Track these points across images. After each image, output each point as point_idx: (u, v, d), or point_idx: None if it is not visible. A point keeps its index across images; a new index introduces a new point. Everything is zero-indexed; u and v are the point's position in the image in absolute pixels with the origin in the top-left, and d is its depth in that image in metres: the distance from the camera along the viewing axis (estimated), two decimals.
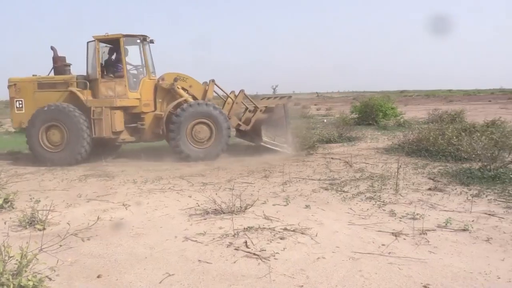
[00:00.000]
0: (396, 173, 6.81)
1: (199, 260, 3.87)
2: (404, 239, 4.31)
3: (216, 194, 6.34)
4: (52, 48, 10.53)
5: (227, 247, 4.17)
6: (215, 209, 5.29)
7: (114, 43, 10.16)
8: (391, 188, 6.42)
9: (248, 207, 5.37)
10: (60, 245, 4.14)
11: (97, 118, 9.81)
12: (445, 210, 5.27)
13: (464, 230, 4.51)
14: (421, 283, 3.31)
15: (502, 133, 9.69)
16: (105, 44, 10.38)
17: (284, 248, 4.09)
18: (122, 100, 9.92)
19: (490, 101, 40.56)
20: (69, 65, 10.71)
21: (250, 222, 4.86)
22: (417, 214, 5.01)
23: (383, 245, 4.14)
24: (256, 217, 5.12)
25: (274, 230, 4.61)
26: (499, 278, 3.39)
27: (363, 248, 4.09)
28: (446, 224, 4.67)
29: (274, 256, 3.91)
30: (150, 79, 10.44)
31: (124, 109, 10.10)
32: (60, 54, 10.67)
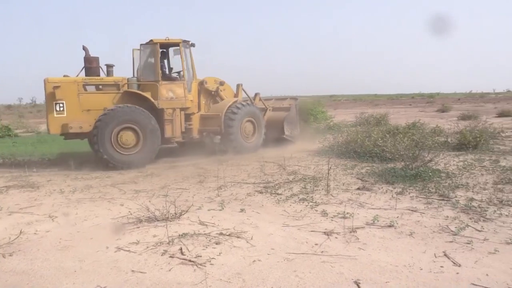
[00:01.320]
0: (327, 175, 7.06)
1: (133, 270, 3.75)
2: (336, 237, 4.47)
3: (150, 201, 6.18)
4: (84, 48, 10.13)
5: (161, 255, 4.08)
6: (149, 217, 5.15)
7: (168, 47, 10.70)
8: (322, 189, 6.64)
9: (183, 213, 5.30)
10: None
11: (169, 119, 10.09)
12: (372, 208, 5.54)
13: (390, 226, 4.77)
14: (352, 279, 3.45)
15: (422, 134, 10.43)
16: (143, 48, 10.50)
17: (220, 253, 4.08)
18: (186, 101, 10.41)
19: (410, 104, 43.34)
20: (112, 66, 10.36)
21: (185, 229, 4.80)
22: (347, 213, 5.23)
23: (316, 244, 4.27)
24: (191, 223, 5.06)
25: (209, 235, 4.59)
26: (421, 269, 3.63)
27: (297, 248, 4.19)
28: (373, 221, 4.92)
29: (210, 261, 3.89)
30: (196, 82, 10.97)
31: (184, 110, 10.49)
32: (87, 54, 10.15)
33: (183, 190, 6.96)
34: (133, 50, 10.84)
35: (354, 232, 4.59)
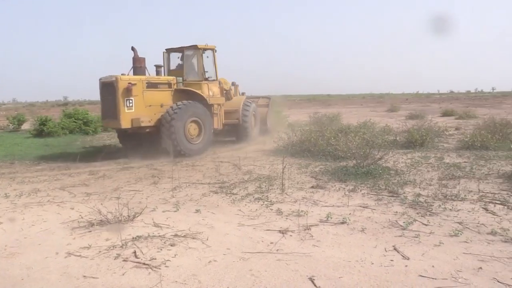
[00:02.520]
0: (282, 174, 7.14)
1: (84, 276, 3.63)
2: (291, 235, 4.54)
3: (102, 204, 6.01)
4: (132, 48, 11.12)
5: (114, 259, 3.98)
6: (101, 220, 5.01)
7: (204, 51, 12.07)
8: (277, 188, 6.71)
9: (137, 215, 5.19)
10: None
11: (215, 113, 11.98)
12: (326, 206, 5.67)
13: (342, 223, 4.90)
14: (307, 276, 3.52)
15: (372, 133, 10.78)
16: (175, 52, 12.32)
17: (175, 255, 4.04)
18: (221, 98, 12.34)
19: (362, 104, 44.75)
20: (160, 66, 11.83)
21: (139, 231, 4.70)
22: (302, 211, 5.32)
23: (271, 243, 4.31)
24: (145, 225, 4.97)
25: (164, 237, 4.52)
26: (372, 263, 3.75)
27: (253, 247, 4.21)
28: (327, 219, 5.03)
29: (165, 263, 3.83)
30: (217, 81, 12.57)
31: (220, 105, 12.34)
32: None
33: (137, 192, 6.81)
34: (163, 52, 12.31)
35: (308, 229, 4.68)
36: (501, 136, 10.78)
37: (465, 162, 8.60)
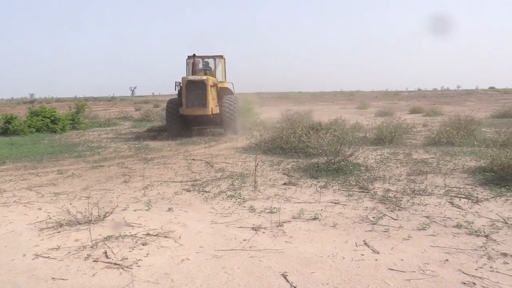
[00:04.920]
0: (254, 171, 7.17)
1: (53, 278, 3.55)
2: (263, 232, 4.56)
3: (71, 204, 5.87)
4: (193, 55, 14.67)
5: (84, 260, 3.90)
6: (70, 220, 4.90)
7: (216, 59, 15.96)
8: (250, 185, 6.73)
9: (107, 215, 5.10)
10: None
11: None
12: (298, 202, 5.73)
13: (314, 219, 4.97)
14: (280, 272, 3.55)
15: (343, 130, 10.93)
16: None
17: (147, 254, 3.99)
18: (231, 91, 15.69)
19: (333, 102, 45.31)
20: (206, 69, 15.41)
21: (110, 231, 4.62)
22: (274, 208, 5.36)
23: (244, 240, 4.33)
24: (116, 224, 4.88)
25: (136, 236, 4.47)
26: (344, 258, 3.83)
27: (226, 245, 4.22)
28: (299, 215, 5.09)
29: (137, 263, 3.79)
30: None
31: None
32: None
33: (107, 191, 6.69)
34: (187, 59, 15.37)
35: (281, 226, 4.72)
36: (465, 133, 11.14)
37: (432, 158, 8.86)
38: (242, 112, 16.53)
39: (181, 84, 14.29)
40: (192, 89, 13.59)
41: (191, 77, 13.93)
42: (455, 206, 5.36)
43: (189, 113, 13.88)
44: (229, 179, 7.33)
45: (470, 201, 5.58)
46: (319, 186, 6.58)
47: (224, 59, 15.91)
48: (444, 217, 4.93)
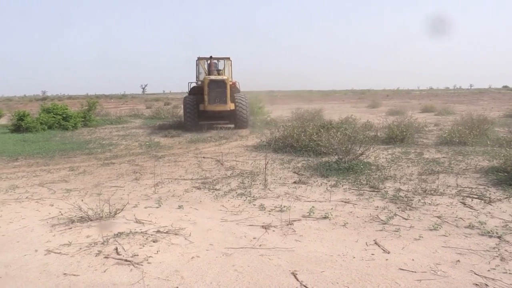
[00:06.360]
0: (264, 169, 7.16)
1: (65, 273, 3.58)
2: (273, 230, 4.56)
3: (82, 200, 5.92)
4: (211, 57, 16.31)
5: (96, 256, 3.93)
6: (81, 217, 4.94)
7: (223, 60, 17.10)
8: (260, 183, 6.73)
9: (118, 211, 5.13)
10: None
11: None
12: (308, 201, 5.71)
13: (325, 217, 4.95)
14: (289, 270, 3.55)
15: (354, 129, 10.88)
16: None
17: (157, 251, 4.01)
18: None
19: (343, 100, 45.04)
20: (219, 70, 16.68)
21: (121, 228, 4.65)
22: (284, 206, 5.35)
23: (254, 238, 4.33)
24: (127, 221, 4.92)
25: (146, 233, 4.49)
26: (354, 257, 3.80)
27: (236, 243, 4.22)
28: (309, 214, 5.08)
29: (147, 260, 3.81)
30: None
31: None
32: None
33: (118, 188, 6.74)
34: (196, 61, 16.66)
35: (291, 224, 4.71)
36: (478, 132, 11.01)
37: (444, 157, 8.77)
38: (252, 110, 17.34)
39: (198, 83, 16.13)
40: (214, 87, 15.04)
41: (213, 77, 15.43)
42: (467, 207, 5.30)
43: (211, 109, 15.22)
44: (239, 177, 7.33)
45: (482, 201, 5.51)
46: (330, 185, 6.55)
47: (231, 60, 17.11)
48: (456, 217, 4.88)
